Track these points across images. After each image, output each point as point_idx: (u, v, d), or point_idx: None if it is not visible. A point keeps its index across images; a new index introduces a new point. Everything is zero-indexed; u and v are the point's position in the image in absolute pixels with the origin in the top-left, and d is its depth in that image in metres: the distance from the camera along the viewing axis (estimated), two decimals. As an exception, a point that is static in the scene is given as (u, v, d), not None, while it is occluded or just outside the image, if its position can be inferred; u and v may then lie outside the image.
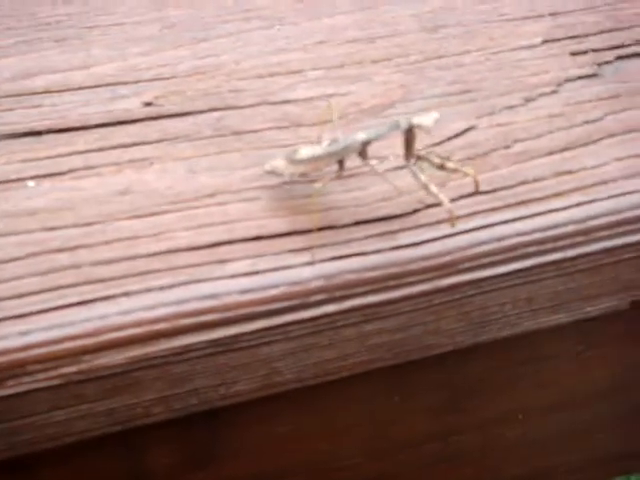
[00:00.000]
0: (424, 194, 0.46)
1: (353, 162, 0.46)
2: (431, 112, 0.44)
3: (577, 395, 0.57)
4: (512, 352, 0.53)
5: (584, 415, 0.56)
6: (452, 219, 0.44)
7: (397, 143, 0.47)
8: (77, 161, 0.47)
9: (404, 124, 0.44)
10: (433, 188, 0.44)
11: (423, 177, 0.44)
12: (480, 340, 0.48)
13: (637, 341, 0.54)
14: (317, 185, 0.45)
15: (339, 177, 0.46)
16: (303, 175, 0.47)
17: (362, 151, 0.46)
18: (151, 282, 0.42)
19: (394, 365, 0.48)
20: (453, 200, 0.46)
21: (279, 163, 0.46)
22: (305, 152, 0.46)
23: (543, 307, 0.48)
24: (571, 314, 0.49)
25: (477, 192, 0.46)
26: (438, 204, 0.46)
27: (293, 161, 0.46)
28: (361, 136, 0.45)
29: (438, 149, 0.48)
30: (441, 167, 0.45)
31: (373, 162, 0.46)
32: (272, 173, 0.47)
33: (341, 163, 0.46)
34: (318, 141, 0.47)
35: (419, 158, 0.45)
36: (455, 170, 0.45)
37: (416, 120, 0.44)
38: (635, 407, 0.57)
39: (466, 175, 0.46)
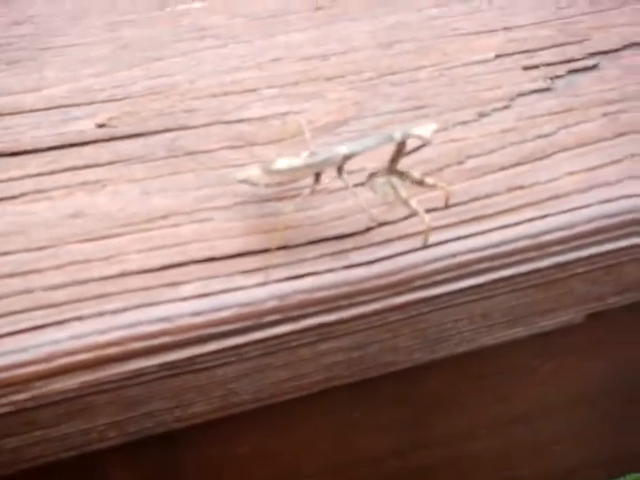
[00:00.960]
0: (377, 212, 0.46)
1: (305, 181, 0.46)
2: (429, 123, 0.44)
3: (538, 408, 0.57)
4: (471, 367, 0.53)
5: (545, 427, 0.56)
6: (426, 235, 0.44)
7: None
8: (29, 184, 0.47)
9: (399, 136, 0.44)
10: (413, 203, 0.44)
11: (403, 192, 0.44)
12: (437, 356, 0.48)
13: (594, 353, 0.55)
14: (289, 207, 0.45)
15: (313, 192, 0.46)
16: (279, 185, 0.46)
17: (340, 165, 0.46)
18: (104, 306, 0.42)
19: (353, 382, 0.48)
20: (406, 218, 0.46)
21: (254, 172, 0.46)
22: (283, 163, 0.46)
23: (499, 322, 0.48)
24: (527, 328, 0.49)
25: (446, 207, 0.46)
26: (392, 222, 0.46)
27: (269, 171, 0.46)
28: (342, 149, 0.45)
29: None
30: (420, 183, 0.45)
31: (326, 180, 0.46)
32: (245, 182, 0.46)
33: (318, 176, 0.46)
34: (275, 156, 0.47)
35: (398, 173, 0.45)
36: (434, 186, 0.45)
37: (415, 131, 0.44)
38: (595, 418, 0.57)
39: (443, 190, 0.46)
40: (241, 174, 0.46)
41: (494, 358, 0.53)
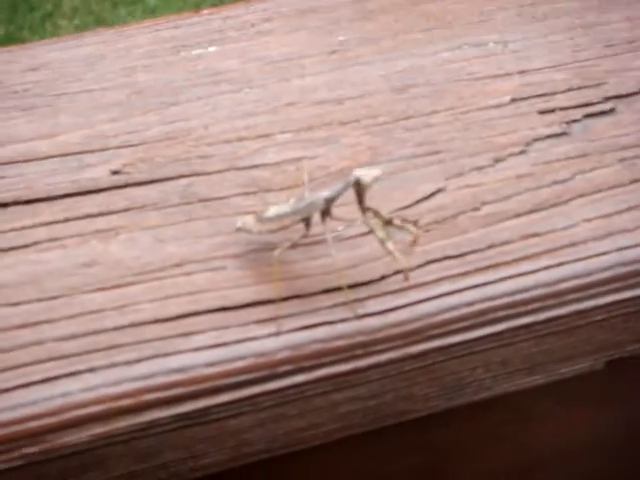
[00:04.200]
0: (391, 260, 0.45)
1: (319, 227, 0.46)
2: (374, 169, 0.45)
3: (559, 453, 0.56)
4: (491, 413, 0.52)
5: (561, 474, 0.55)
6: (406, 274, 0.44)
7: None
8: (42, 233, 0.47)
9: (352, 178, 0.44)
10: (389, 244, 0.44)
11: (380, 232, 0.44)
12: (455, 404, 0.48)
13: (614, 399, 0.54)
14: (275, 252, 0.45)
15: (305, 237, 0.46)
16: (271, 232, 0.47)
17: (326, 209, 0.45)
18: (116, 357, 0.42)
19: (369, 430, 0.47)
20: (421, 265, 0.45)
21: (248, 220, 0.47)
22: (273, 210, 0.46)
23: (517, 370, 0.48)
24: (546, 375, 0.48)
25: (413, 245, 0.46)
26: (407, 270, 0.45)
27: (261, 219, 0.46)
28: (324, 193, 0.45)
29: (407, 212, 0.48)
30: (388, 223, 0.45)
31: (339, 227, 0.46)
32: (242, 230, 0.47)
33: (307, 222, 0.46)
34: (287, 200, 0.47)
35: (369, 212, 0.45)
36: (400, 227, 0.45)
37: (357, 173, 0.44)
38: (616, 464, 0.57)
39: (412, 233, 0.45)
40: (239, 222, 0.47)
41: (515, 404, 0.52)
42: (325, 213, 0.45)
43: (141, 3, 2.44)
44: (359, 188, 0.44)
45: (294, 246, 0.45)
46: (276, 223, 0.46)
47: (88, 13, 2.41)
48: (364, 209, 0.45)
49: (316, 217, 0.45)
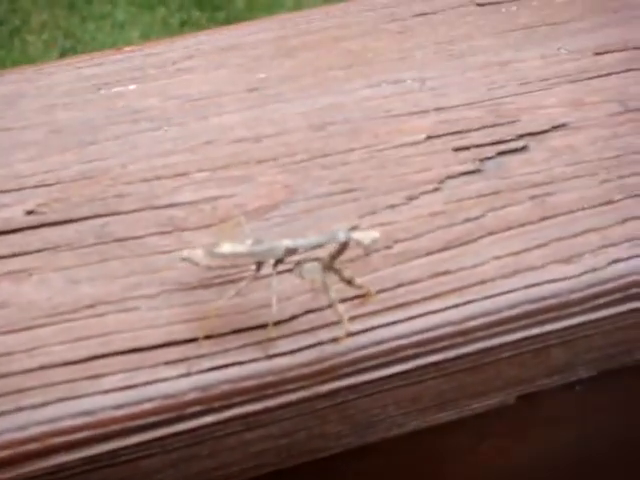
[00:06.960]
0: (303, 300, 0.46)
1: (230, 269, 0.46)
2: (371, 231, 0.46)
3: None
4: (408, 447, 0.53)
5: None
6: (348, 335, 0.45)
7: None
8: (-47, 275, 0.47)
9: (342, 237, 0.45)
10: (340, 307, 0.44)
11: (333, 294, 0.45)
12: (368, 441, 0.48)
13: (527, 432, 0.55)
14: (230, 292, 0.45)
15: (255, 279, 0.46)
16: (220, 267, 0.47)
17: (281, 258, 0.46)
18: (23, 400, 0.42)
19: (283, 469, 0.48)
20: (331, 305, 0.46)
21: (197, 253, 0.47)
22: (227, 247, 0.46)
23: (428, 406, 0.48)
24: (458, 411, 0.49)
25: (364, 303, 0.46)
26: (317, 309, 0.46)
27: (212, 253, 0.46)
28: (286, 243, 0.46)
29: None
30: (349, 282, 0.46)
31: (252, 266, 0.47)
32: (187, 260, 0.47)
33: (259, 265, 0.46)
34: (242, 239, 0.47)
35: (333, 269, 0.46)
36: (360, 287, 0.46)
37: (356, 236, 0.45)
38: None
39: (368, 294, 0.46)
40: (186, 252, 0.47)
41: (431, 439, 0.52)
42: (279, 261, 0.46)
43: (110, 18, 2.43)
44: (344, 248, 0.45)
45: (239, 293, 0.46)
46: (227, 260, 0.47)
47: (56, 28, 2.39)
48: (330, 265, 0.45)
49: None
